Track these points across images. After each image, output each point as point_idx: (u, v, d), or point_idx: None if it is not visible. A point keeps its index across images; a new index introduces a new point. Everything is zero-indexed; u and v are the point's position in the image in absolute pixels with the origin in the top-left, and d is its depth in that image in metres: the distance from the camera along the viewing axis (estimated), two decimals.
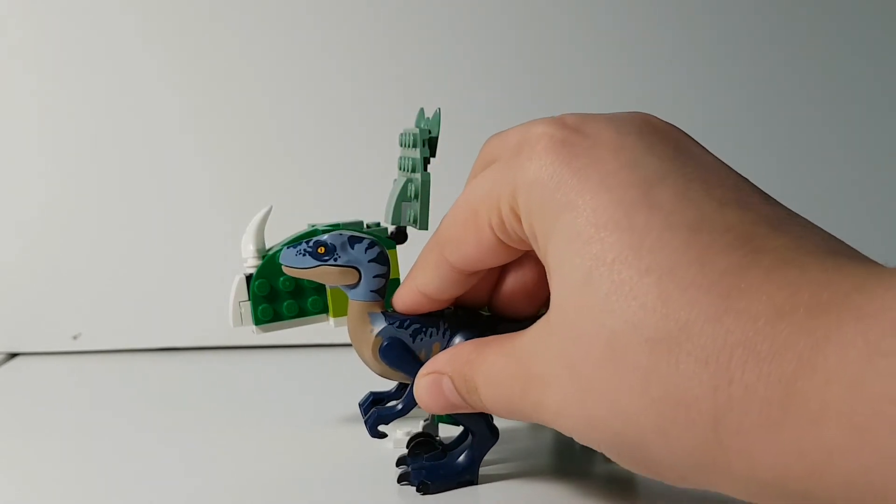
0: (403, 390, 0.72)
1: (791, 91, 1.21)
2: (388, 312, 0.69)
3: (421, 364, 0.68)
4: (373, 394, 0.72)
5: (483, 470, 0.71)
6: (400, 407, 0.69)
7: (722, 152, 0.63)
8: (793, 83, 1.21)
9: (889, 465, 0.42)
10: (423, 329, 0.69)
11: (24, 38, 1.14)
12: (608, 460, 0.76)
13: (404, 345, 0.68)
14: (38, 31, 1.14)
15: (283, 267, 0.68)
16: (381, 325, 0.68)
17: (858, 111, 1.22)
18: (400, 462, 0.73)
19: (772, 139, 1.22)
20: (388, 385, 0.72)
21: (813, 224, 0.56)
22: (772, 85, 1.21)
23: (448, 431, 0.77)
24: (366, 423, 0.69)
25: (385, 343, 0.68)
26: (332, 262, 0.67)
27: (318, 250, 0.67)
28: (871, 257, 0.55)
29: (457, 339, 0.68)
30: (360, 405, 0.72)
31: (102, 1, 1.14)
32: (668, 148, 0.58)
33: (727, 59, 1.20)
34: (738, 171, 0.61)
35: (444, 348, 0.69)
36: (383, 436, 0.71)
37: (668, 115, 0.56)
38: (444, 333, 0.69)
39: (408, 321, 0.69)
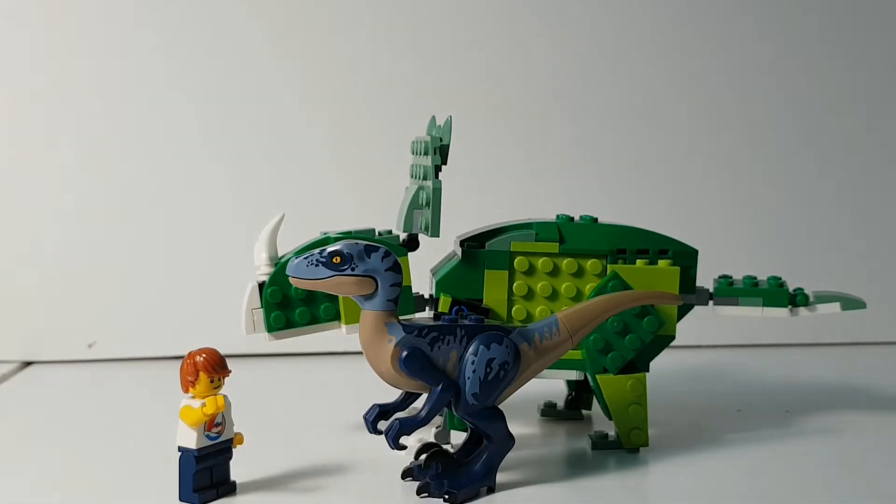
0: (409, 400, 0.71)
1: (795, 93, 1.21)
2: (404, 321, 0.69)
3: (441, 373, 0.68)
4: (378, 406, 0.70)
5: (497, 477, 0.71)
6: (423, 415, 0.68)
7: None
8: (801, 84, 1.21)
9: None
10: (441, 337, 0.68)
11: (34, 44, 1.15)
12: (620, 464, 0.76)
13: (425, 354, 0.68)
14: (47, 34, 1.15)
15: (291, 279, 0.67)
16: (398, 334, 0.67)
17: (860, 112, 1.22)
18: (406, 474, 0.72)
19: (776, 140, 1.22)
20: (392, 396, 0.72)
21: None
22: (778, 85, 1.21)
23: (456, 438, 0.77)
24: (386, 434, 0.68)
25: (405, 353, 0.67)
26: (349, 271, 0.66)
27: (334, 260, 0.66)
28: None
29: (472, 347, 0.69)
30: (366, 418, 0.70)
31: (118, 8, 1.15)
32: None
33: (734, 61, 1.20)
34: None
35: (462, 357, 0.69)
36: (405, 447, 0.71)
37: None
38: (461, 341, 0.69)
39: (426, 329, 0.68)
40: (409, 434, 0.68)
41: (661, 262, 0.80)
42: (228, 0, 1.16)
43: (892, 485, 0.74)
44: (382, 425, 0.70)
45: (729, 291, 0.83)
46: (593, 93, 1.19)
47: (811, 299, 0.84)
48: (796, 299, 0.83)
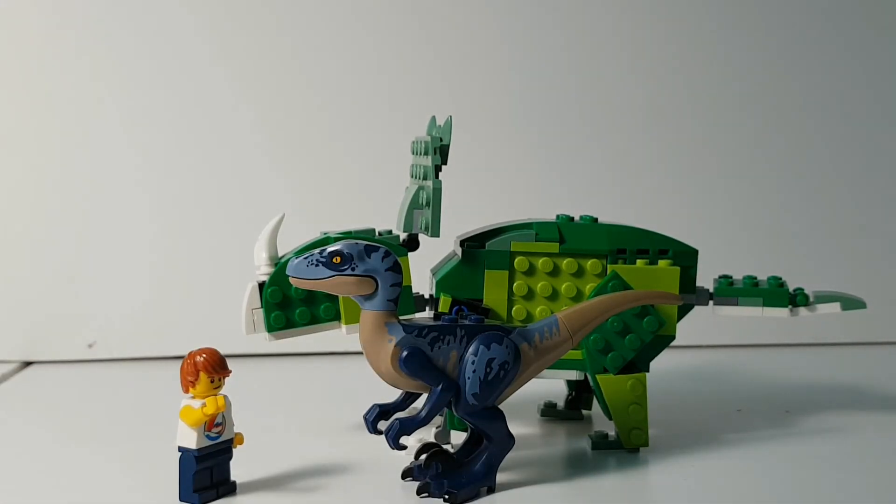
0: (409, 400, 0.71)
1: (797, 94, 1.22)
2: (404, 321, 0.69)
3: (441, 373, 0.68)
4: (378, 406, 0.70)
5: (497, 477, 0.71)
6: (423, 415, 0.68)
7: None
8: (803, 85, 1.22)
9: None
10: (441, 337, 0.68)
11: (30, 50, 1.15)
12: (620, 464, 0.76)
13: (425, 354, 0.68)
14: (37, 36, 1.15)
15: (291, 279, 0.67)
16: (398, 334, 0.67)
17: (860, 112, 1.22)
18: (406, 474, 0.72)
19: (776, 140, 1.22)
20: (392, 396, 0.72)
21: None
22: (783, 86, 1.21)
23: (456, 438, 0.77)
24: (386, 434, 0.68)
25: (405, 353, 0.67)
26: (349, 271, 0.66)
27: (334, 260, 0.66)
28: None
29: (472, 347, 0.69)
30: (366, 419, 0.70)
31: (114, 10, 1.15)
32: None
33: (734, 61, 1.20)
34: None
35: (462, 357, 0.69)
36: (405, 447, 0.71)
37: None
38: (461, 341, 0.69)
39: (426, 329, 0.68)
40: (409, 434, 0.68)
41: (661, 262, 0.80)
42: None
43: (893, 485, 0.74)
44: (382, 425, 0.70)
45: (729, 291, 0.83)
46: (594, 93, 1.19)
47: (811, 299, 0.84)
48: (796, 299, 0.83)
